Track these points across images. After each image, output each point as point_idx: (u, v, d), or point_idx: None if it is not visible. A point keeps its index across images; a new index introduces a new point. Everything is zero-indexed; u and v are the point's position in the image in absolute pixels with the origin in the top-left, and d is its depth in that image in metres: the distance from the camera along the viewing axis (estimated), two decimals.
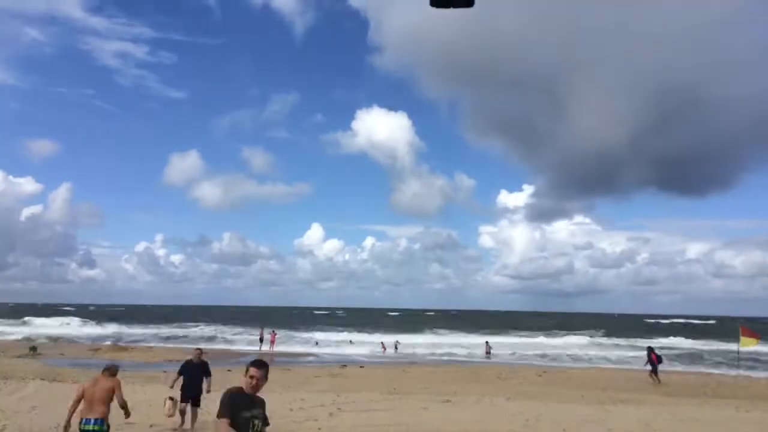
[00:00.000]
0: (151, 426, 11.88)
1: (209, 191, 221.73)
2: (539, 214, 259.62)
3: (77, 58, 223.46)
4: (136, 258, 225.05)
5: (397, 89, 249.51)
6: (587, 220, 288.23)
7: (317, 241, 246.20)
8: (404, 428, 12.31)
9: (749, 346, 33.31)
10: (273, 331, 44.29)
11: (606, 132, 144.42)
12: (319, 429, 11.81)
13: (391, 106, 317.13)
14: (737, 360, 33.09)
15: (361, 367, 30.87)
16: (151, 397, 16.43)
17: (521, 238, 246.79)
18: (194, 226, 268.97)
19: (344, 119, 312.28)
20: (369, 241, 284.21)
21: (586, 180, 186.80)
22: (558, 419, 13.56)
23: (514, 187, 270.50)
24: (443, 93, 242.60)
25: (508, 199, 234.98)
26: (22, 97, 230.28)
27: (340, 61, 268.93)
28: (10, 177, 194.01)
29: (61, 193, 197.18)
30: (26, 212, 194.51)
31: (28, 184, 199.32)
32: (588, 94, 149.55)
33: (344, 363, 32.80)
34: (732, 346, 37.63)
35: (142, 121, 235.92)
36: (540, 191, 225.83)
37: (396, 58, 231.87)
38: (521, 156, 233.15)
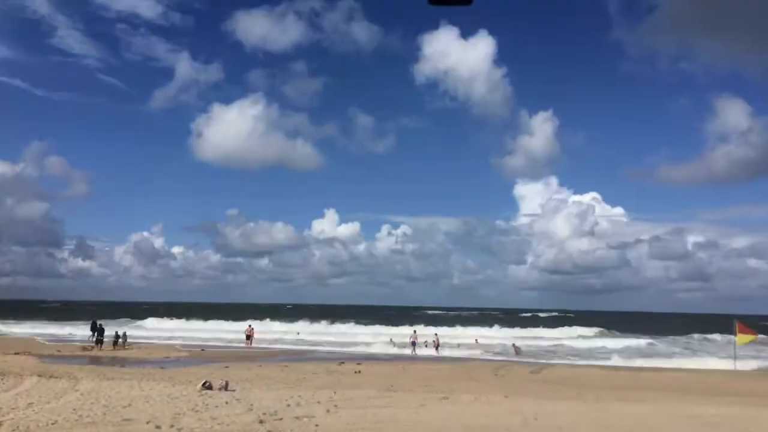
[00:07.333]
0: (147, 422, 11.86)
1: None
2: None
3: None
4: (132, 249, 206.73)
5: None
6: None
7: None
8: (401, 425, 12.31)
9: (746, 342, 33.47)
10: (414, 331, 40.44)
11: None
12: (317, 426, 11.79)
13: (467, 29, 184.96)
14: (734, 356, 33.17)
15: (358, 363, 30.90)
16: (148, 393, 16.43)
17: None
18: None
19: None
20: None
21: None
22: (555, 417, 13.56)
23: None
24: None
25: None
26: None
27: None
28: None
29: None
30: (11, 199, 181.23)
31: (11, 169, 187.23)
32: None
33: (342, 360, 32.86)
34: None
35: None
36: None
37: None
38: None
